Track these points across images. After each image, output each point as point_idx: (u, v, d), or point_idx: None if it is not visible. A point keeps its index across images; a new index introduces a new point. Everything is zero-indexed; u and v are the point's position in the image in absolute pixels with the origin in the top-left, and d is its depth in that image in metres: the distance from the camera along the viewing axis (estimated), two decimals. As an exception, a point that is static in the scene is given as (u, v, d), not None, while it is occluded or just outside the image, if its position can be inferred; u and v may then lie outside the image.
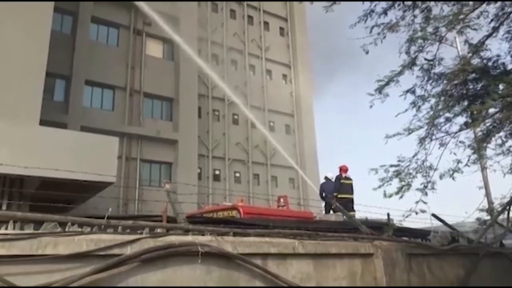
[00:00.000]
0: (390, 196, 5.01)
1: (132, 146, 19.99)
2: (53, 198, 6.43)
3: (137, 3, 18.43)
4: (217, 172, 22.92)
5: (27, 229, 3.49)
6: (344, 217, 8.05)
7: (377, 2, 5.71)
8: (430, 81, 5.66)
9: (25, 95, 12.20)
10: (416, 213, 5.01)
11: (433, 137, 5.20)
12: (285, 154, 22.52)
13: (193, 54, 19.94)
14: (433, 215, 7.83)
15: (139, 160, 19.96)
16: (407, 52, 5.85)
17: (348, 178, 12.27)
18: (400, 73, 5.29)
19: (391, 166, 5.18)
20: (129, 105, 20.49)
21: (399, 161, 5.25)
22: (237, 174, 23.79)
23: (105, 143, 12.53)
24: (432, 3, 6.75)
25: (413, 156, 5.23)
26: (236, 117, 24.83)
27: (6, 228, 3.37)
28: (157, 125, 21.07)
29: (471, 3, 5.36)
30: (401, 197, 5.02)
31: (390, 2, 6.13)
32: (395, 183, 5.07)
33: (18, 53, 12.36)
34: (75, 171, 9.54)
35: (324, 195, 12.58)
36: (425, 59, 5.41)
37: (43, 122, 12.46)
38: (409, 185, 5.08)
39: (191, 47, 22.66)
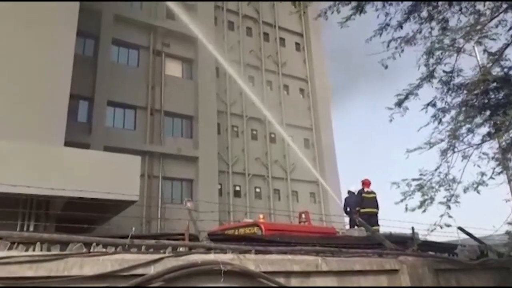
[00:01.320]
0: (413, 210, 4.92)
1: (153, 164, 20.28)
2: (78, 218, 6.56)
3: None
4: (237, 188, 22.95)
5: (54, 250, 3.58)
6: (368, 232, 7.92)
7: (392, 16, 5.70)
8: (450, 92, 5.58)
9: (50, 116, 12.63)
10: (441, 227, 4.89)
11: (455, 149, 5.11)
12: (313, 170, 22.54)
13: (237, 76, 20.69)
14: (460, 228, 7.62)
15: (161, 177, 20.20)
16: (426, 65, 5.81)
17: (371, 192, 12.12)
18: (419, 86, 5.25)
19: (413, 180, 5.10)
20: (150, 124, 20.87)
21: (421, 174, 5.16)
22: (257, 190, 23.76)
23: (127, 162, 12.74)
24: (449, 14, 6.72)
25: (435, 170, 5.13)
26: (254, 132, 24.96)
27: (34, 250, 3.47)
28: (177, 143, 21.35)
29: (488, 12, 5.31)
30: (424, 211, 4.92)
31: (405, 15, 6.14)
32: (418, 197, 4.98)
33: (43, 76, 12.83)
34: (99, 191, 9.73)
35: (348, 209, 12.45)
36: (444, 71, 5.36)
37: (67, 143, 12.81)
38: (432, 199, 4.97)
39: (209, 66, 23.13)
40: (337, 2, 6.41)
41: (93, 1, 18.92)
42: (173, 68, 23.01)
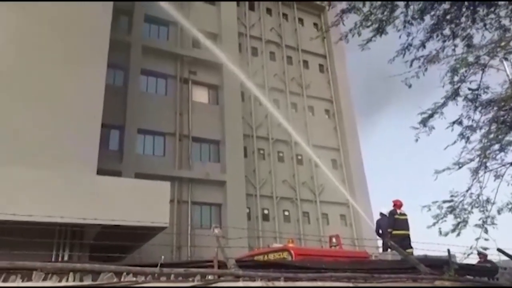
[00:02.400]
0: (446, 234, 4.74)
1: (183, 189, 20.54)
2: (110, 247, 6.70)
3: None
4: (265, 212, 22.81)
5: (86, 280, 3.66)
6: (401, 255, 7.66)
7: (414, 36, 5.69)
8: (479, 109, 5.45)
9: (83, 146, 13.09)
10: (479, 252, 4.68)
11: (487, 168, 4.94)
12: (343, 191, 22.28)
13: (263, 97, 21.22)
14: (499, 250, 7.26)
15: (190, 202, 20.39)
16: (451, 82, 5.72)
17: (403, 214, 11.79)
18: (444, 104, 5.16)
19: (444, 202, 4.94)
20: (178, 149, 21.27)
21: (451, 196, 4.99)
22: (286, 213, 23.52)
23: (157, 188, 12.96)
24: (473, 30, 6.63)
25: (467, 190, 4.96)
26: (281, 154, 24.93)
27: (67, 280, 3.56)
28: (205, 167, 21.60)
29: (513, 27, 5.21)
30: (458, 234, 4.74)
31: (427, 34, 6.11)
32: (450, 219, 4.81)
33: (76, 107, 13.39)
34: (131, 218, 9.92)
35: (380, 232, 12.13)
36: (469, 88, 5.25)
37: (100, 171, 13.20)
38: (465, 222, 4.79)
39: (235, 91, 23.55)
40: (357, 25, 6.48)
41: (123, 1, 19.76)
42: (200, 95, 23.55)
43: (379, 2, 6.71)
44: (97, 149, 13.25)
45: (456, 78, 5.22)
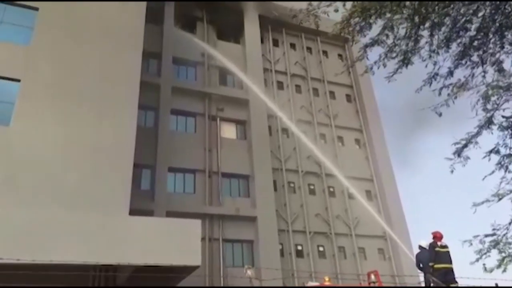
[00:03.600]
0: (491, 271, 4.42)
1: (214, 226, 20.45)
2: (145, 285, 6.66)
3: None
4: (299, 247, 22.22)
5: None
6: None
7: (441, 65, 5.59)
8: (517, 136, 5.20)
9: (116, 187, 13.40)
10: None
11: (530, 199, 4.65)
12: (381, 221, 21.65)
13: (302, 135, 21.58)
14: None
15: (221, 240, 20.21)
16: (484, 109, 5.53)
17: (444, 246, 11.19)
18: (478, 133, 4.96)
19: (486, 235, 4.64)
20: (208, 186, 21.37)
21: (494, 229, 4.69)
22: (321, 248, 22.82)
23: (188, 227, 12.94)
24: (503, 56, 6.46)
25: (510, 223, 4.66)
26: (312, 187, 24.53)
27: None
28: (236, 203, 21.52)
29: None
30: (504, 270, 4.41)
31: (455, 61, 5.99)
32: (495, 254, 4.50)
33: (108, 150, 13.83)
34: (162, 258, 9.90)
35: (421, 266, 11.54)
36: (503, 116, 5.05)
37: (132, 211, 13.39)
38: (511, 256, 4.46)
39: (262, 125, 23.75)
40: (381, 57, 6.45)
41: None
42: (228, 131, 23.87)
43: (402, 33, 6.69)
44: (129, 190, 13.52)
45: (488, 106, 5.04)
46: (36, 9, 15.28)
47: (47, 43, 14.81)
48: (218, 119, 23.46)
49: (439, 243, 11.19)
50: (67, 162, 13.07)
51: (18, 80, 13.91)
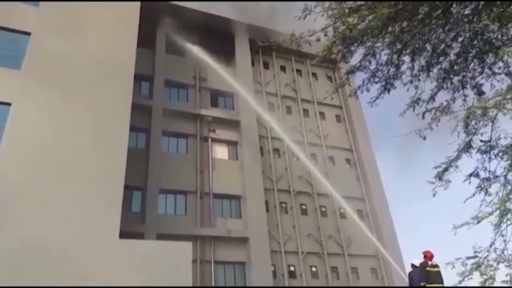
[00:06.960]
0: (474, 294, 4.50)
1: (205, 248, 20.26)
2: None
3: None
4: (291, 268, 22.07)
5: None
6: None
7: (423, 90, 5.79)
8: (497, 159, 5.36)
9: (106, 210, 13.32)
10: (510, 310, 4.40)
11: (509, 221, 4.75)
12: (375, 240, 21.65)
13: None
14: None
15: (213, 262, 20.00)
16: (465, 131, 5.70)
17: (435, 265, 11.24)
18: (457, 157, 5.11)
19: (468, 258, 4.73)
20: (200, 207, 21.26)
21: (475, 252, 4.79)
22: (313, 269, 22.67)
23: (179, 249, 12.91)
24: (483, 80, 6.70)
25: (490, 246, 4.76)
26: (304, 207, 24.53)
27: None
28: (227, 224, 21.39)
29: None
30: (486, 292, 4.49)
31: (436, 87, 6.20)
32: (477, 276, 4.58)
33: (99, 172, 13.82)
34: (153, 282, 9.82)
35: (413, 286, 11.55)
36: (481, 140, 5.22)
37: (122, 233, 13.28)
38: (492, 279, 4.55)
39: (253, 146, 23.89)
40: (365, 82, 6.66)
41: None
42: (220, 151, 23.94)
43: (384, 59, 6.93)
44: (119, 213, 13.45)
45: (467, 130, 5.22)
46: (28, 34, 15.47)
47: (39, 68, 14.94)
48: (209, 140, 23.56)
49: (430, 263, 11.25)
50: (57, 185, 13.01)
51: (9, 104, 13.96)
